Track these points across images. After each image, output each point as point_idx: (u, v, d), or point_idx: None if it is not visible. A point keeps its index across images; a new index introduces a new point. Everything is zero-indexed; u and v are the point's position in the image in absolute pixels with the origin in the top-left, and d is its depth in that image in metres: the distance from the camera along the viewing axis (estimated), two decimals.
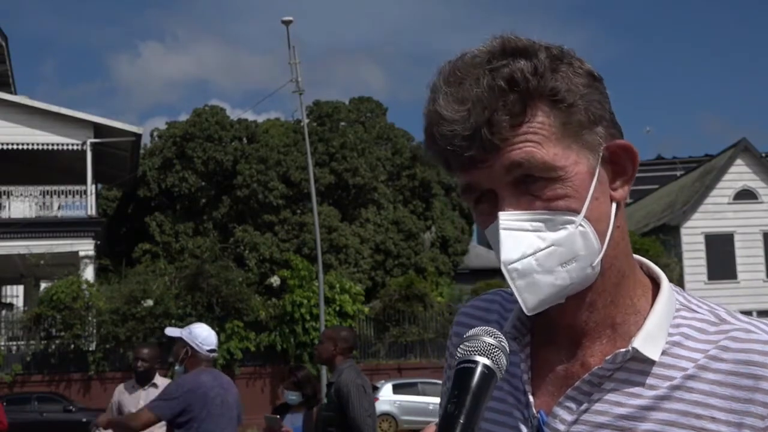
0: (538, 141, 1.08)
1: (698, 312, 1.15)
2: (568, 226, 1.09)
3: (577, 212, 1.09)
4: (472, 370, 1.02)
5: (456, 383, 1.03)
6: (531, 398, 1.15)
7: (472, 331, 1.07)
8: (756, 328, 1.12)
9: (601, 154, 1.12)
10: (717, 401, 1.08)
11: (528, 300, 1.10)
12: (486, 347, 1.04)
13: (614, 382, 1.11)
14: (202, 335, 5.66)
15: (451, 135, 1.09)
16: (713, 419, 1.08)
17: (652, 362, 1.11)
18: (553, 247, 1.09)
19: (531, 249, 1.09)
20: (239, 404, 5.75)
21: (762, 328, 1.12)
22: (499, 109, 1.07)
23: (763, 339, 1.10)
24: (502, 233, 1.09)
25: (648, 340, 1.11)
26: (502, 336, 1.06)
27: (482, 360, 1.03)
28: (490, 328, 1.07)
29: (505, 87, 1.08)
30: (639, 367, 1.11)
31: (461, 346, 1.05)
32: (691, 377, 1.10)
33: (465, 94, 1.09)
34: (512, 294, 1.20)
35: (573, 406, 1.13)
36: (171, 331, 5.89)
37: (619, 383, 1.11)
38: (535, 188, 1.09)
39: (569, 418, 1.12)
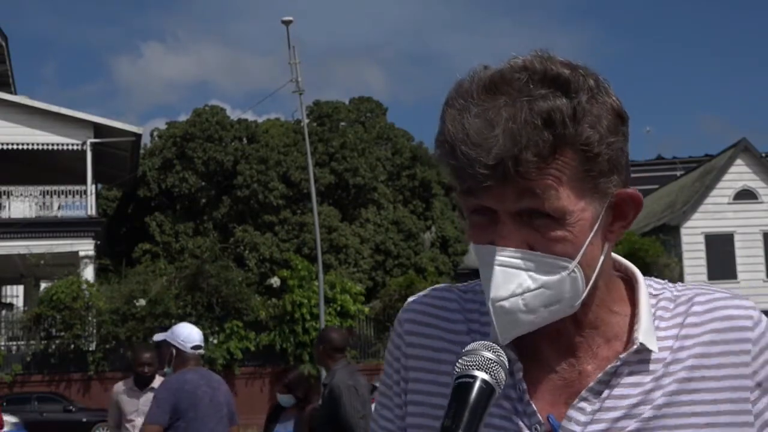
0: (558, 180, 1.08)
1: (659, 294, 1.22)
2: (561, 271, 1.10)
3: (572, 258, 1.10)
4: (470, 385, 1.02)
5: (454, 398, 1.02)
6: (534, 406, 1.16)
7: (470, 346, 1.08)
8: (709, 290, 1.22)
9: (609, 201, 1.13)
10: (707, 361, 1.16)
11: (505, 334, 1.12)
12: (485, 362, 1.04)
13: (620, 377, 1.16)
14: (183, 333, 5.61)
15: (474, 158, 1.07)
16: (703, 378, 1.15)
17: (649, 351, 1.16)
18: (542, 289, 1.10)
19: (520, 288, 1.09)
20: (231, 403, 5.65)
21: (714, 289, 1.22)
22: (528, 147, 1.06)
23: (725, 299, 1.20)
24: (496, 269, 1.09)
25: (647, 334, 1.16)
26: (501, 351, 1.07)
27: (481, 375, 1.03)
28: (488, 342, 1.08)
29: (541, 125, 1.06)
30: (639, 358, 1.16)
31: (459, 360, 1.06)
32: (678, 350, 1.17)
33: (497, 119, 1.07)
34: (466, 292, 1.25)
35: (586, 406, 1.15)
36: (157, 337, 5.92)
37: (625, 377, 1.16)
38: (539, 224, 1.09)
39: (583, 419, 1.14)
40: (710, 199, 30.98)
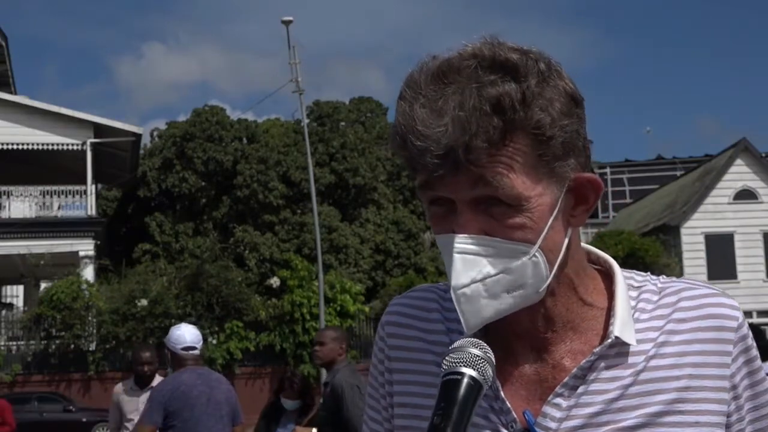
0: (510, 167, 1.06)
1: (641, 287, 1.21)
2: (521, 256, 1.09)
3: (532, 243, 1.09)
4: (458, 382, 1.03)
5: (442, 395, 1.03)
6: (508, 403, 1.15)
7: (457, 343, 1.08)
8: (696, 285, 1.20)
9: (567, 184, 1.12)
10: (690, 359, 1.15)
11: (470, 321, 1.12)
12: (472, 359, 1.05)
13: (597, 372, 1.14)
14: (174, 335, 5.63)
15: (424, 149, 1.06)
16: (691, 377, 1.14)
17: (627, 345, 1.14)
18: (502, 274, 1.09)
19: (480, 275, 1.09)
20: (232, 402, 5.59)
21: (701, 284, 1.21)
22: (478, 134, 1.05)
23: (715, 296, 1.18)
24: (456, 257, 1.10)
25: (624, 327, 1.15)
26: (487, 347, 1.07)
27: (468, 371, 1.04)
28: (475, 340, 1.08)
29: (490, 111, 1.05)
30: (616, 351, 1.15)
31: (447, 357, 1.06)
32: (662, 344, 1.15)
33: (446, 107, 1.06)
34: (447, 291, 1.24)
35: (561, 402, 1.14)
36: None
37: (602, 371, 1.14)
38: (496, 212, 1.08)
39: (558, 415, 1.13)
40: (710, 199, 30.98)
